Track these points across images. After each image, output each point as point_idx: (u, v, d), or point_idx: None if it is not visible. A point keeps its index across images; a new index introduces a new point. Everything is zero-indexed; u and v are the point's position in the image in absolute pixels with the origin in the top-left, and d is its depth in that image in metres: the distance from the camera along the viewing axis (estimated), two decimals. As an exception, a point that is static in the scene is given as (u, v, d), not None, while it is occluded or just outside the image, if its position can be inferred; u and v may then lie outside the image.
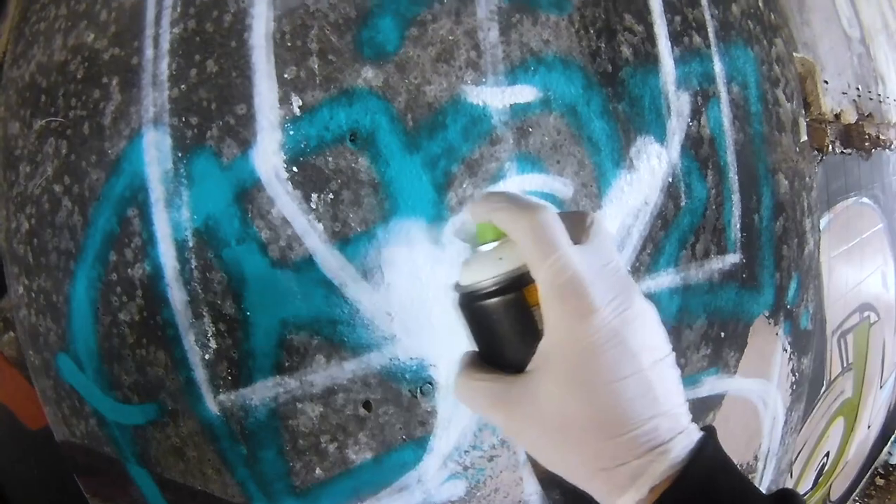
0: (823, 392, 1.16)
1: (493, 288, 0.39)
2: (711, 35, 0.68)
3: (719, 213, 0.68)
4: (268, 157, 0.54)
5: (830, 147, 0.86)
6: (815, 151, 0.86)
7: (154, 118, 0.58)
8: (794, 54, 0.82)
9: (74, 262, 0.62)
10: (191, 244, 0.56)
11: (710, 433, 0.37)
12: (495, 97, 0.56)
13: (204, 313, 0.57)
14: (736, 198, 0.69)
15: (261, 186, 0.54)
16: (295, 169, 0.54)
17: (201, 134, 0.56)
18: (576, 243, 0.37)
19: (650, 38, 0.64)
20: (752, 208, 0.71)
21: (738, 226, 0.70)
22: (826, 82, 0.88)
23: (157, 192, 0.57)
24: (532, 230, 0.36)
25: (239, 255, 0.55)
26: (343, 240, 0.54)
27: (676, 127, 0.64)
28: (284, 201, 0.54)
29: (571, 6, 0.60)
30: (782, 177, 0.73)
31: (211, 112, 0.56)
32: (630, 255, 0.61)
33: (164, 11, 0.60)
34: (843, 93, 1.00)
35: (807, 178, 0.78)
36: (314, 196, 0.54)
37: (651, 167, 0.61)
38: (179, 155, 0.57)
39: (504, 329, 0.39)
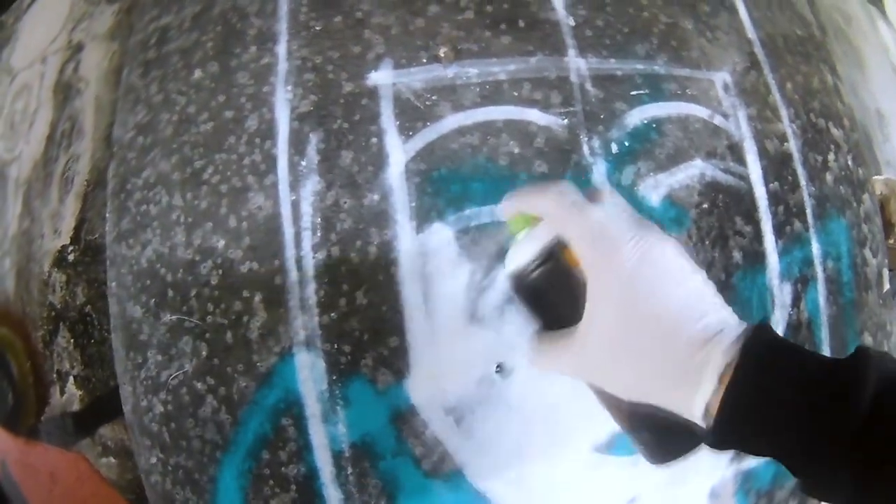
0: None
1: (536, 262, 0.45)
2: (810, 216, 0.72)
3: (813, 388, 0.74)
4: (422, 387, 0.62)
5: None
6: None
7: (306, 341, 0.63)
8: (877, 178, 0.88)
9: (222, 453, 0.68)
10: (347, 454, 0.64)
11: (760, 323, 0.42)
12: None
13: (359, 509, 0.65)
14: (827, 370, 0.75)
15: (415, 412, 0.62)
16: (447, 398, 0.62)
17: (355, 361, 0.62)
18: None
19: (757, 236, 0.69)
20: (840, 374, 0.76)
21: (828, 394, 0.76)
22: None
23: (312, 408, 0.64)
24: (555, 200, 0.45)
25: (394, 467, 0.63)
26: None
27: (780, 318, 0.70)
28: (437, 425, 0.62)
29: (689, 220, 0.67)
30: (867, 335, 0.79)
31: (364, 342, 0.62)
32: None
33: (303, 233, 0.64)
34: (925, 199, 1.06)
35: (888, 327, 0.82)
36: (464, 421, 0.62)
37: (760, 366, 0.69)
38: (334, 378, 0.63)
39: (556, 294, 0.45)
